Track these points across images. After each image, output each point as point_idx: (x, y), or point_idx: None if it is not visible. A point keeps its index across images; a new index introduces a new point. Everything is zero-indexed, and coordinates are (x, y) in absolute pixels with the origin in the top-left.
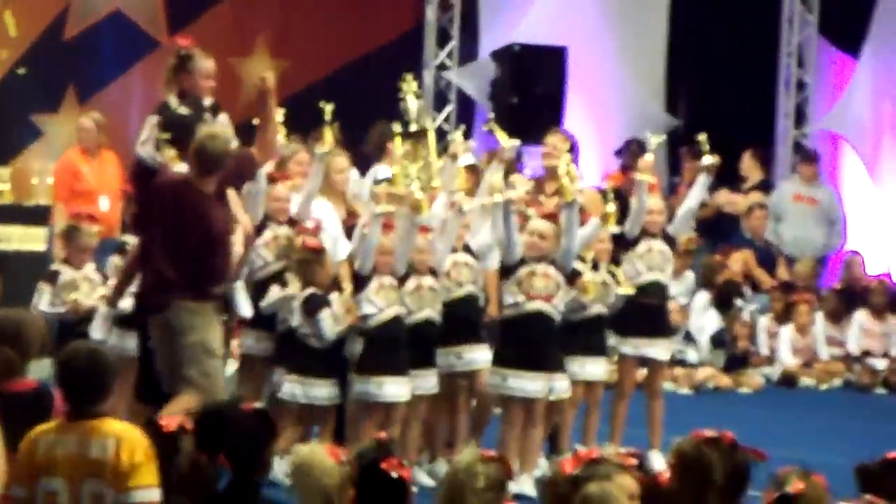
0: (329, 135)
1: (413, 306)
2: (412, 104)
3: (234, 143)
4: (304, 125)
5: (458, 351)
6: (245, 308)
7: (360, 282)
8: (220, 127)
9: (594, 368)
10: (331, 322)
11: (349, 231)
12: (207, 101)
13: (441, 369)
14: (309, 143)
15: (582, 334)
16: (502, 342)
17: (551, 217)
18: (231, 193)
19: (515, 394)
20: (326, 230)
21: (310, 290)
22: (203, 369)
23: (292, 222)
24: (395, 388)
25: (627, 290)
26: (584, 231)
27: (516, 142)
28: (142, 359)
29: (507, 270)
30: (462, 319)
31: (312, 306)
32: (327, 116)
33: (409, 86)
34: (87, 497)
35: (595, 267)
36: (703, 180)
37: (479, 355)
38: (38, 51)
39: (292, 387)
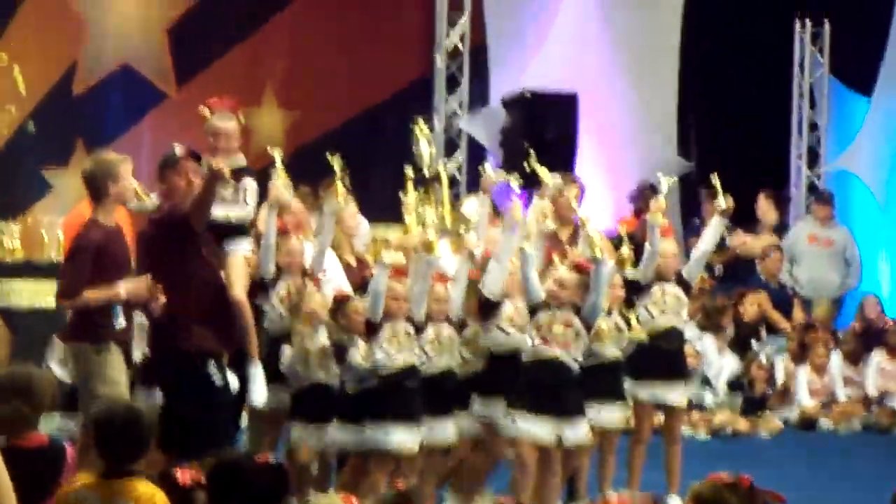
0: (340, 188)
1: (432, 355)
2: (424, 148)
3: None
4: (315, 175)
5: None
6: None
7: (372, 329)
8: (109, 153)
9: (610, 415)
10: (359, 358)
11: (363, 282)
12: (235, 163)
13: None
14: (320, 193)
15: (598, 380)
16: (516, 385)
17: (579, 268)
18: (234, 261)
19: (523, 436)
20: (330, 280)
21: (335, 339)
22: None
23: (306, 275)
24: (403, 437)
25: (639, 335)
26: None
27: (558, 179)
28: (163, 407)
29: (529, 312)
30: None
31: (339, 353)
32: (337, 169)
33: (421, 130)
34: None
35: (608, 313)
36: (716, 223)
37: None
38: (48, 106)
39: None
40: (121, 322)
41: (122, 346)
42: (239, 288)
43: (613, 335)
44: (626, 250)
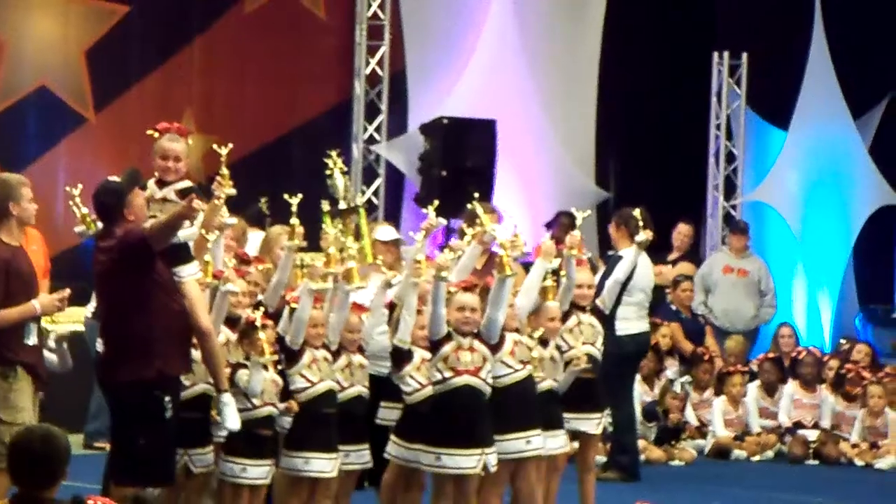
0: (299, 227)
1: (344, 383)
2: (339, 181)
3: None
4: (233, 200)
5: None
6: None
7: (291, 356)
8: (8, 175)
9: (556, 442)
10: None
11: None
12: (181, 185)
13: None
14: (239, 219)
15: (537, 409)
16: (433, 419)
17: (473, 289)
18: (193, 289)
19: (451, 472)
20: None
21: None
22: None
23: (259, 306)
24: (322, 464)
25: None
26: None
27: (497, 225)
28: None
29: (433, 346)
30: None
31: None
32: (293, 209)
33: (334, 162)
34: None
35: (544, 344)
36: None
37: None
38: None
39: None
40: (33, 339)
41: (32, 368)
42: (205, 317)
43: (548, 365)
44: (549, 282)
